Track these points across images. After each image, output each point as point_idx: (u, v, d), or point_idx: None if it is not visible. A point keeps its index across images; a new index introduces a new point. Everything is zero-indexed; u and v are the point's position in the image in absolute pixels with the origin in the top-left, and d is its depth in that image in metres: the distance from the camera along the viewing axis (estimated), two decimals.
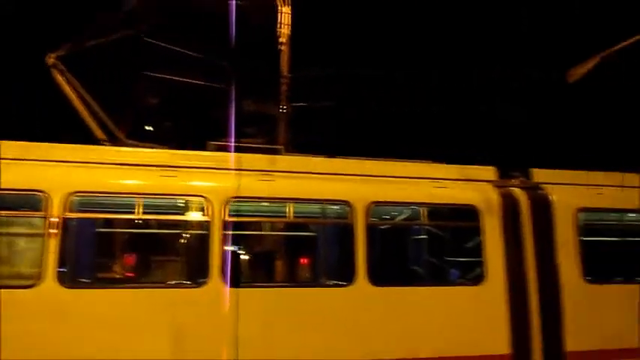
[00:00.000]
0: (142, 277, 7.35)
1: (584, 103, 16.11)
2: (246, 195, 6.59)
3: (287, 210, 6.70)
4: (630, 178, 8.20)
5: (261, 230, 8.17)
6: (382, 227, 8.02)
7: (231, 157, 6.86)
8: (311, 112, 13.37)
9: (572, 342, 7.07)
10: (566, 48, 13.61)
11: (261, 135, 12.23)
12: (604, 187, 7.89)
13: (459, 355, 6.73)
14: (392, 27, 16.44)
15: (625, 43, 10.07)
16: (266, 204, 7.03)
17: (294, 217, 6.82)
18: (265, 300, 6.42)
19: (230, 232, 6.55)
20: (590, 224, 7.90)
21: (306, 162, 7.18)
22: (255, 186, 6.62)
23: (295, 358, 6.29)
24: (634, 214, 8.09)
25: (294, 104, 12.03)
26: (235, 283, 6.42)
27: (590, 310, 7.24)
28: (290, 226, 7.80)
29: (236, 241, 8.07)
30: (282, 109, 11.60)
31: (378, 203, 6.93)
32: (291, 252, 8.82)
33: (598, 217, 8.04)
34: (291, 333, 6.33)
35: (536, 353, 6.98)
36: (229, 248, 6.80)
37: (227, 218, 6.38)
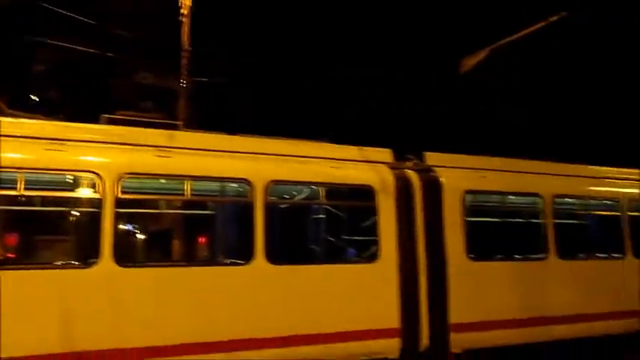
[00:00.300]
0: (24, 257, 6.88)
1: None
2: (142, 171, 6.34)
3: (185, 187, 6.53)
4: (511, 162, 8.85)
5: (157, 208, 7.92)
6: (281, 206, 8.07)
7: (125, 132, 6.53)
8: (213, 87, 13.08)
9: (456, 315, 7.57)
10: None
11: (159, 110, 11.77)
12: (488, 171, 8.44)
13: (353, 330, 6.96)
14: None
15: (513, 37, 10.75)
16: (163, 181, 6.81)
17: (192, 194, 6.66)
18: (160, 280, 6.26)
19: (123, 210, 6.28)
20: (475, 205, 8.45)
21: (205, 139, 7.02)
22: (151, 162, 6.38)
23: (193, 338, 6.21)
24: (514, 197, 8.76)
25: (194, 79, 11.68)
26: (128, 262, 6.19)
27: (473, 286, 7.78)
28: (187, 204, 7.64)
29: (130, 219, 7.78)
30: (183, 83, 11.24)
31: (277, 182, 6.95)
32: (188, 230, 8.66)
33: (482, 199, 8.61)
34: (188, 313, 6.22)
35: (423, 326, 7.40)
36: (122, 227, 6.54)
37: (120, 195, 6.09)
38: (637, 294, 9.02)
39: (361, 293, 7.11)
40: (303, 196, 7.79)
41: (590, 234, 9.68)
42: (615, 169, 10.08)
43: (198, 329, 6.22)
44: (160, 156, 6.42)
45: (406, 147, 8.51)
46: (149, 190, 6.94)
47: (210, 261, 7.70)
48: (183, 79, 11.33)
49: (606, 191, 9.50)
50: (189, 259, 8.42)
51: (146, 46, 12.53)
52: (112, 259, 5.88)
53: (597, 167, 9.85)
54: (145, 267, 6.62)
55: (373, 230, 7.36)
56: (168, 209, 8.26)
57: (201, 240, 8.83)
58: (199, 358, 6.14)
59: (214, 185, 7.19)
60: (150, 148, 6.43)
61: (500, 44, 11.25)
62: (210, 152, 6.82)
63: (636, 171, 10.41)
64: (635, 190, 9.78)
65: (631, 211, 9.46)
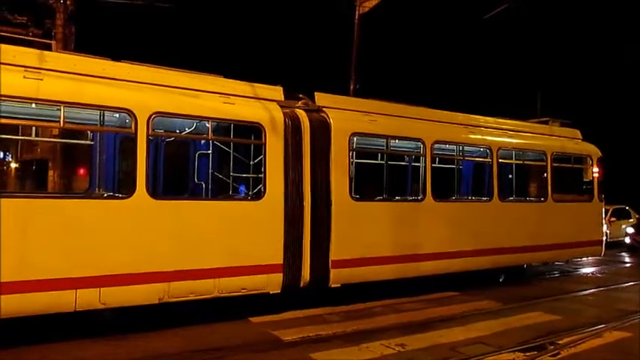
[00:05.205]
0: None
1: None
2: (7, 94, 5.73)
3: (59, 114, 6.01)
4: (399, 107, 9.11)
5: (30, 136, 7.29)
6: (166, 139, 7.79)
7: None
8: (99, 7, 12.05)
9: (337, 252, 7.85)
10: None
11: (33, 26, 10.68)
12: (377, 115, 8.63)
13: (237, 266, 7.01)
14: None
15: None
16: (33, 106, 6.22)
17: (66, 122, 6.15)
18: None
19: None
20: (361, 148, 8.66)
21: (83, 63, 6.47)
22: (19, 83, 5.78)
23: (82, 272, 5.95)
24: (398, 141, 9.08)
25: None
26: None
27: (354, 225, 8.08)
28: (64, 133, 7.12)
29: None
30: None
31: (162, 114, 6.63)
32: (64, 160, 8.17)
33: (368, 142, 8.83)
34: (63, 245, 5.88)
35: (305, 262, 7.61)
36: None
37: None
38: (502, 233, 9.87)
39: (246, 230, 7.12)
40: (190, 130, 7.56)
41: (462, 178, 10.36)
42: (491, 118, 10.67)
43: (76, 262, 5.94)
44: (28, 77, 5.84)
45: (298, 86, 8.44)
46: (16, 115, 6.32)
47: (87, 194, 7.30)
48: None
49: (480, 139, 10.09)
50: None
51: None
52: None
53: (472, 115, 10.36)
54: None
55: (260, 168, 7.33)
56: (43, 138, 7.66)
57: (82, 172, 8.37)
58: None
59: (93, 114, 6.71)
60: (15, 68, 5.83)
61: None
62: (88, 78, 6.32)
63: (509, 120, 11.16)
64: (506, 139, 10.50)
65: (502, 159, 10.14)
